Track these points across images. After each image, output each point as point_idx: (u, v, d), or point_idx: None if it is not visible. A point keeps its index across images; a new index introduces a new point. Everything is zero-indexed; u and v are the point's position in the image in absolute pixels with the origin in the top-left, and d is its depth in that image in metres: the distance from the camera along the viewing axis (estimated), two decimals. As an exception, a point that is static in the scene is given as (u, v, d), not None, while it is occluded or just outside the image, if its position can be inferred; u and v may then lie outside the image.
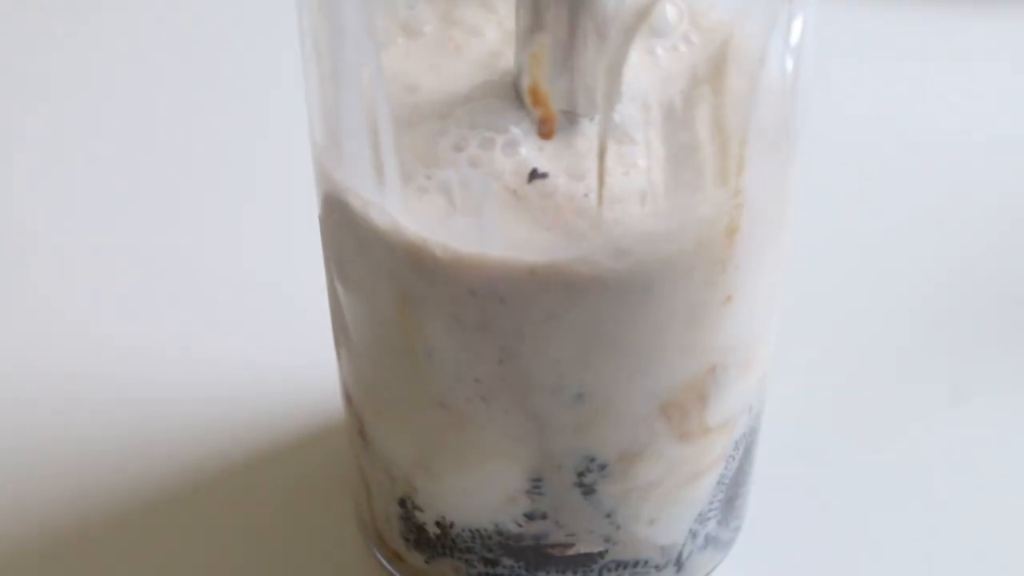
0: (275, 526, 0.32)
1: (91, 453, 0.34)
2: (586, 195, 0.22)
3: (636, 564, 0.29)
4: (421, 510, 0.29)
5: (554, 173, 0.23)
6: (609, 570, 0.29)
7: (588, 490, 0.27)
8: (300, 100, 0.25)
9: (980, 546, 0.32)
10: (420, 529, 0.29)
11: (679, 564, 0.29)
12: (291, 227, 0.37)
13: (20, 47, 0.47)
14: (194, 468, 0.34)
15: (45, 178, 0.42)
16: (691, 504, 0.28)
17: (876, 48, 0.45)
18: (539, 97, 0.22)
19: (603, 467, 0.26)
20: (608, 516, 0.27)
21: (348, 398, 0.29)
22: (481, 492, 0.27)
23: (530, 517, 0.27)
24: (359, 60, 0.22)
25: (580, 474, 0.26)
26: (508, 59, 0.23)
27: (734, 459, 0.29)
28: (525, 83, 0.22)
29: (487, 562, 0.29)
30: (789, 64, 0.24)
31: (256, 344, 0.37)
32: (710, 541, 0.30)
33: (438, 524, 0.28)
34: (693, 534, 0.29)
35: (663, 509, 0.28)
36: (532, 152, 0.23)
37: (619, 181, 0.23)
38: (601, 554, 0.28)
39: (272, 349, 0.36)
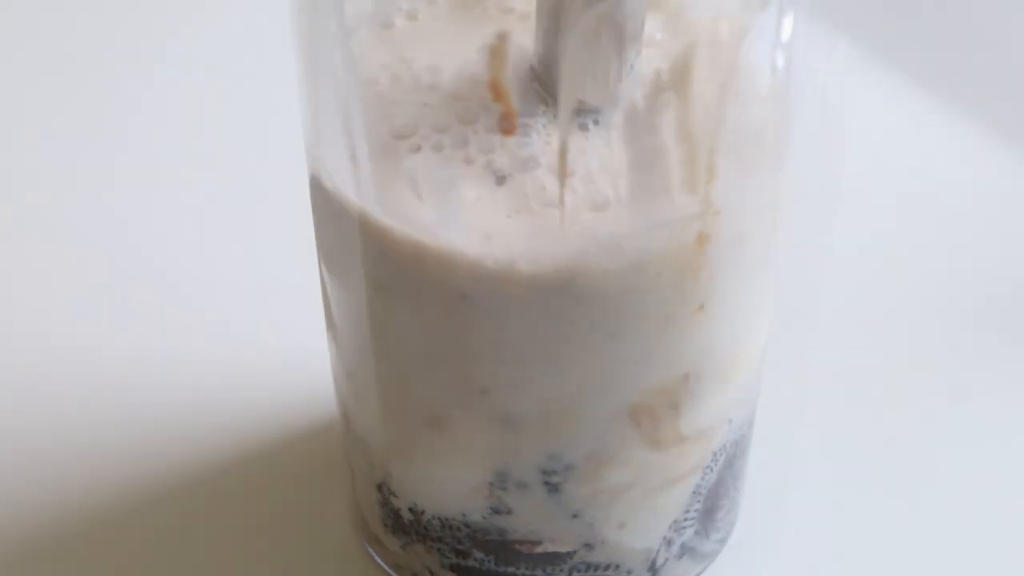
0: (269, 514, 0.33)
1: (79, 452, 0.34)
2: (545, 191, 0.22)
3: (608, 567, 0.28)
4: (396, 496, 0.29)
5: (523, 170, 0.23)
6: (579, 571, 0.28)
7: (553, 488, 0.27)
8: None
9: (980, 551, 0.32)
10: (396, 515, 0.29)
11: (653, 571, 0.29)
12: (280, 218, 0.37)
13: (14, 46, 0.48)
14: (186, 463, 0.34)
15: (36, 177, 0.42)
16: (664, 512, 0.28)
17: (875, 52, 0.44)
18: (500, 92, 0.22)
19: (569, 468, 0.26)
20: (575, 517, 0.27)
21: (335, 381, 0.29)
22: (448, 482, 0.27)
23: (495, 511, 0.27)
24: (331, 44, 0.22)
25: (545, 472, 0.26)
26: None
27: (712, 470, 0.28)
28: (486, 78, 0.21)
29: (458, 553, 0.29)
30: (776, 70, 0.23)
31: (251, 335, 0.37)
32: (687, 551, 0.29)
33: (411, 510, 0.29)
34: (668, 542, 0.29)
35: (634, 514, 0.28)
36: (502, 148, 0.23)
37: (584, 183, 0.22)
38: (570, 554, 0.28)
39: (268, 340, 0.37)
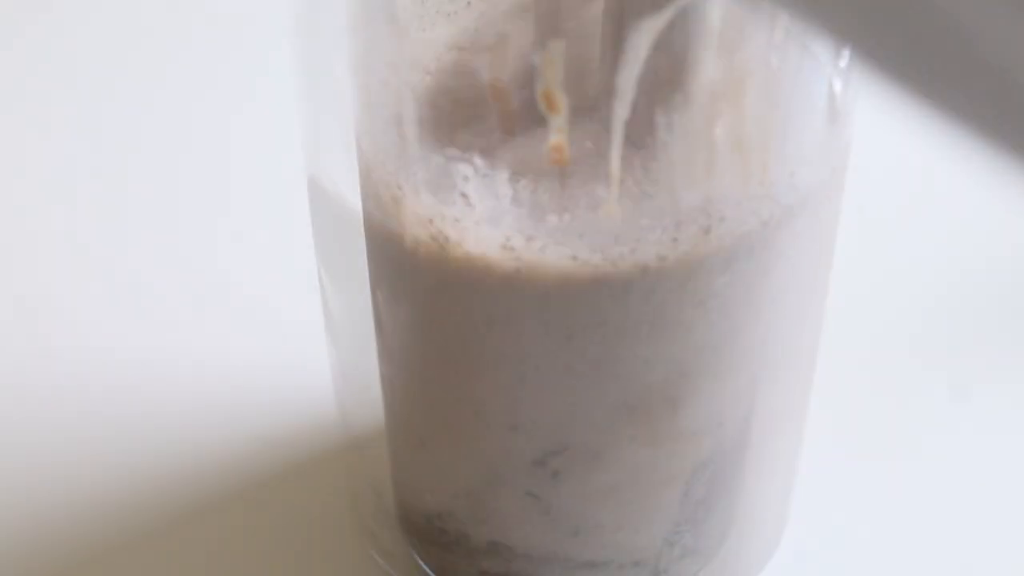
0: (274, 519, 0.33)
1: (84, 459, 0.34)
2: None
3: (607, 565, 0.29)
4: (393, 497, 0.29)
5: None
6: (581, 571, 0.29)
7: (549, 486, 0.26)
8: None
9: (985, 551, 0.32)
10: (394, 516, 0.29)
11: (656, 573, 0.29)
12: (283, 222, 0.37)
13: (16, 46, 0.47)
14: (188, 469, 0.34)
15: (39, 180, 0.42)
16: (660, 512, 0.28)
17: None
18: (553, 103, 0.21)
19: (563, 467, 0.26)
20: (569, 518, 0.27)
21: (335, 384, 0.29)
22: (444, 484, 0.27)
23: (491, 512, 0.27)
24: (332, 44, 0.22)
25: (540, 470, 0.26)
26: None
27: (703, 474, 0.28)
28: (539, 88, 0.21)
29: (455, 553, 0.29)
30: (833, 93, 0.23)
31: (252, 339, 0.37)
32: (688, 552, 0.30)
33: (408, 512, 0.29)
34: (669, 543, 0.29)
35: (630, 514, 0.28)
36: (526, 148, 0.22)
37: (630, 188, 0.22)
38: (568, 558, 0.28)
39: (269, 344, 0.36)
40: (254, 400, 0.35)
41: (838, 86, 0.23)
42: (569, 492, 0.26)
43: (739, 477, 0.30)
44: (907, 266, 0.39)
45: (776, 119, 0.22)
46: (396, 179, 0.23)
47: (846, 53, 0.22)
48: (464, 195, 0.22)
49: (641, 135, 0.22)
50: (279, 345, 0.36)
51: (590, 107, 0.22)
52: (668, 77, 0.22)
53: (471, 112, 0.23)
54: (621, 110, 0.21)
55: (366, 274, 0.25)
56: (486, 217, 0.22)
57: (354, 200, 0.24)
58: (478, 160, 0.22)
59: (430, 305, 0.25)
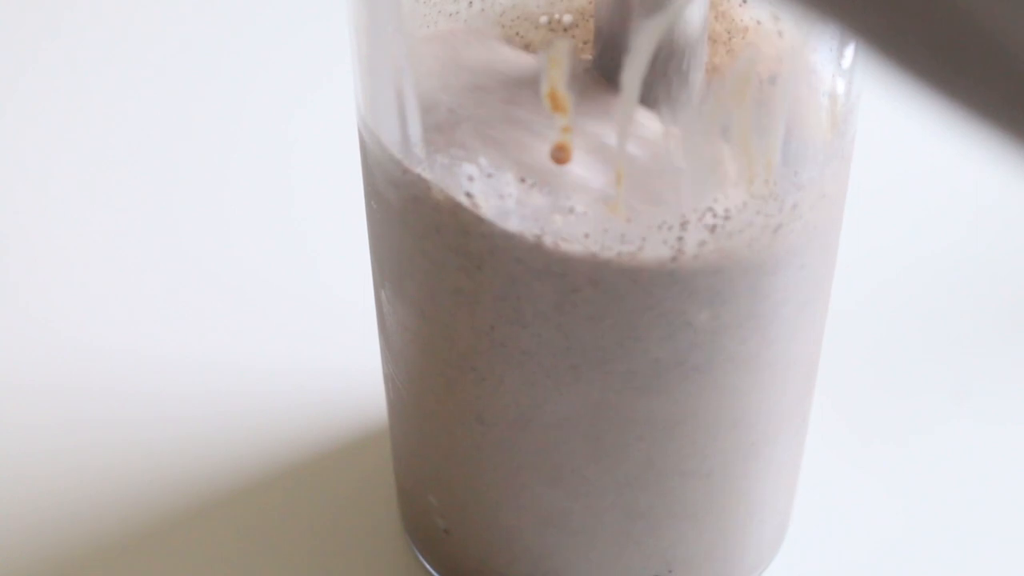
0: (320, 517, 0.33)
1: (130, 456, 0.34)
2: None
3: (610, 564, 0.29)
4: (435, 506, 0.29)
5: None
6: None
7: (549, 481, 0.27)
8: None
9: (985, 551, 0.32)
10: (437, 525, 0.29)
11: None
12: (337, 230, 0.37)
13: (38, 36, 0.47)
14: (233, 469, 0.34)
15: (72, 180, 0.42)
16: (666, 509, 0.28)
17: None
18: (558, 102, 0.21)
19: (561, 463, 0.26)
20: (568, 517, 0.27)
21: (386, 391, 0.29)
22: (489, 494, 0.27)
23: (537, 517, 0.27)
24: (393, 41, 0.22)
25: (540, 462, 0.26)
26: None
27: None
28: (544, 88, 0.21)
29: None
30: (836, 95, 0.23)
31: (303, 341, 0.37)
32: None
33: (447, 523, 0.29)
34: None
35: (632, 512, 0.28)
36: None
37: (635, 187, 0.22)
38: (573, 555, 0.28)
39: (320, 346, 0.37)
40: (307, 405, 0.35)
41: (842, 86, 0.23)
42: (572, 494, 0.26)
43: (744, 479, 0.30)
44: (908, 266, 0.39)
45: (781, 119, 0.22)
46: (401, 179, 0.23)
47: (853, 48, 0.22)
48: (469, 194, 0.22)
49: (646, 134, 0.22)
50: (331, 351, 0.37)
51: (595, 106, 0.22)
52: (673, 76, 0.22)
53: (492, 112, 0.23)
54: (626, 109, 0.21)
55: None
56: (491, 216, 0.22)
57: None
58: (483, 160, 0.22)
59: (430, 302, 0.25)
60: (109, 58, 0.47)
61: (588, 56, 0.23)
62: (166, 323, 0.38)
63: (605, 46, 0.23)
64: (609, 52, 0.22)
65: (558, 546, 0.27)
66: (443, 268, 0.24)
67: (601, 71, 0.23)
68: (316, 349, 0.36)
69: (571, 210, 0.22)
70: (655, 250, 0.22)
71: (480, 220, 0.23)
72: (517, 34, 0.24)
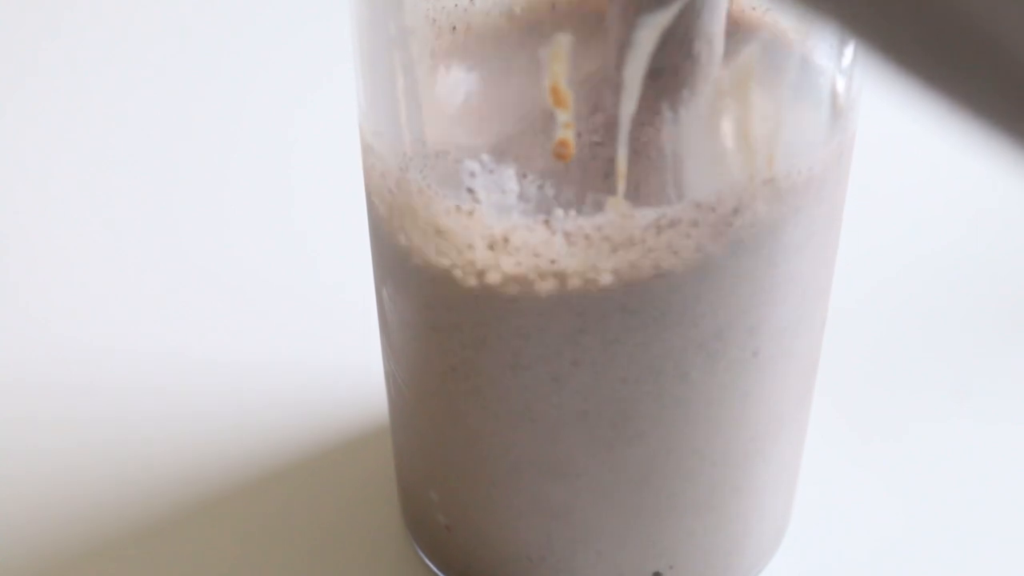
0: (322, 515, 0.33)
1: (134, 455, 0.34)
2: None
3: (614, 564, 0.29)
4: (438, 506, 0.29)
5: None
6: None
7: (550, 482, 0.27)
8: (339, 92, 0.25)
9: (986, 551, 0.32)
10: (437, 522, 0.29)
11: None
12: (337, 230, 0.37)
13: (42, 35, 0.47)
14: (236, 466, 0.34)
15: (72, 180, 0.42)
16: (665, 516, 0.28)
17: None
18: (560, 98, 0.21)
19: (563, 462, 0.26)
20: (570, 516, 0.27)
21: (388, 394, 0.29)
22: (440, 473, 0.27)
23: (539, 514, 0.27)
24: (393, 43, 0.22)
25: (543, 461, 0.26)
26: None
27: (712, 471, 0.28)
28: (546, 83, 0.21)
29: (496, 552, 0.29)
30: (837, 93, 0.23)
31: (306, 340, 0.37)
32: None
33: (449, 521, 0.29)
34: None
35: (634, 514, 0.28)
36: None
37: (637, 182, 0.22)
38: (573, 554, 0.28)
39: (323, 345, 0.37)
40: (308, 403, 0.35)
41: (842, 80, 0.23)
42: (573, 490, 0.27)
43: (744, 475, 0.30)
44: (907, 263, 0.39)
45: (782, 113, 0.22)
46: (402, 175, 0.23)
47: (852, 45, 0.22)
48: (471, 191, 0.23)
49: (648, 130, 0.22)
50: (333, 349, 0.37)
51: (597, 102, 0.22)
52: (675, 72, 0.22)
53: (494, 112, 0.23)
54: (627, 105, 0.21)
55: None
56: (493, 213, 0.22)
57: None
58: (485, 156, 0.22)
59: (432, 300, 0.25)
60: (109, 58, 0.47)
61: (590, 51, 0.23)
62: (166, 323, 0.38)
63: (607, 41, 0.23)
64: (611, 47, 0.22)
65: (559, 542, 0.27)
66: (444, 264, 0.24)
67: (603, 66, 0.23)
68: (317, 347, 0.36)
69: (572, 205, 0.22)
70: (656, 245, 0.22)
71: (481, 215, 0.23)
72: (519, 29, 0.24)
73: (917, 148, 0.43)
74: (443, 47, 0.24)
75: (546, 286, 0.23)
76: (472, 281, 0.24)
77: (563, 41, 0.21)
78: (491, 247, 0.23)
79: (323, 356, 0.36)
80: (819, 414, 0.34)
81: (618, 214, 0.22)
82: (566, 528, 0.27)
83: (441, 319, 0.25)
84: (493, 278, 0.23)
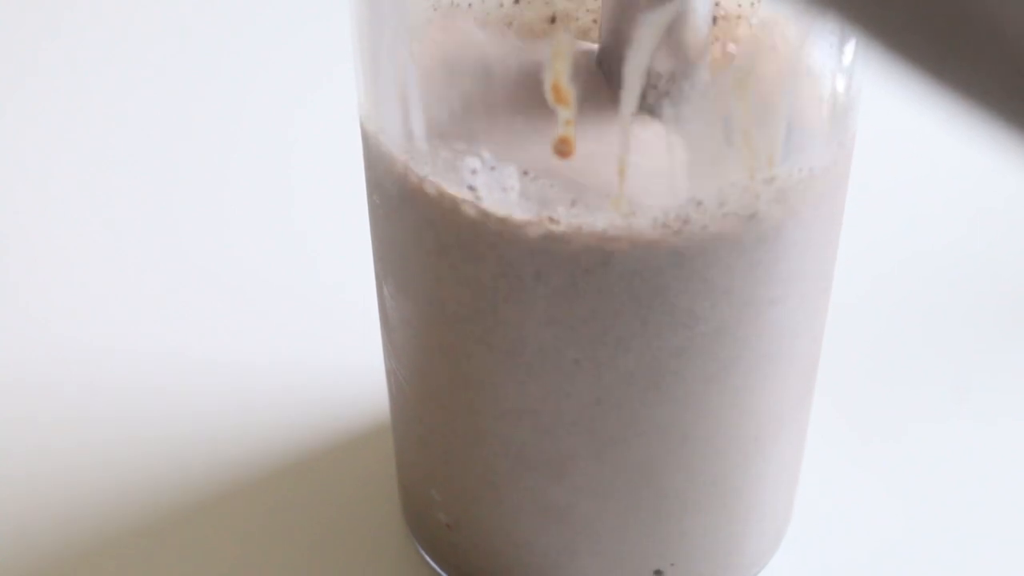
0: (324, 514, 0.33)
1: (137, 459, 0.34)
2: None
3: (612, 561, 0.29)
4: (439, 504, 0.29)
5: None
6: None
7: (551, 481, 0.27)
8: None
9: (986, 550, 0.32)
10: (438, 521, 0.29)
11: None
12: (338, 228, 0.37)
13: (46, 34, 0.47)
14: (240, 465, 0.34)
15: (72, 180, 0.42)
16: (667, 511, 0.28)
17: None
18: (561, 95, 0.21)
19: (564, 462, 0.26)
20: (570, 516, 0.27)
21: (389, 391, 0.29)
22: (441, 471, 0.27)
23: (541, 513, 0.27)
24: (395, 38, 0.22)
25: (544, 461, 0.26)
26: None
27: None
28: (548, 79, 0.21)
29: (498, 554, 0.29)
30: (837, 93, 0.23)
31: (307, 339, 0.37)
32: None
33: (449, 519, 0.29)
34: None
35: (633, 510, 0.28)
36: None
37: (638, 180, 0.22)
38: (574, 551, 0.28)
39: (323, 344, 0.37)
40: (310, 402, 0.35)
41: (843, 79, 0.23)
42: (574, 488, 0.27)
43: (745, 474, 0.30)
44: (909, 262, 0.39)
45: (783, 113, 0.22)
46: (403, 173, 0.23)
47: (854, 42, 0.22)
48: (472, 188, 0.23)
49: (649, 128, 0.22)
50: (334, 348, 0.37)
51: (598, 100, 0.22)
52: (676, 69, 0.22)
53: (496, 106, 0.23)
54: (628, 103, 0.21)
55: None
56: (494, 210, 0.22)
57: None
58: (486, 153, 0.22)
59: (433, 297, 0.25)
60: (109, 58, 0.47)
61: (592, 48, 0.23)
62: (166, 323, 0.38)
63: (608, 39, 0.23)
64: (612, 45, 0.22)
65: (560, 540, 0.27)
66: (445, 262, 0.24)
67: (604, 64, 0.23)
68: (318, 345, 0.36)
69: (573, 203, 0.22)
70: (657, 245, 0.22)
71: (482, 214, 0.23)
72: (521, 26, 0.24)
73: (916, 147, 0.43)
74: (444, 43, 0.24)
75: (546, 285, 0.23)
76: (472, 280, 0.24)
77: (564, 39, 0.21)
78: (491, 243, 0.23)
79: (324, 355, 0.36)
80: (819, 413, 0.35)
81: (619, 212, 0.22)
82: (567, 526, 0.27)
83: (441, 317, 0.25)
84: (493, 277, 0.23)
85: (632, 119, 0.21)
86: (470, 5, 0.24)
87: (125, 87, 0.45)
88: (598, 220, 0.22)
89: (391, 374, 0.28)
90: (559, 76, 0.21)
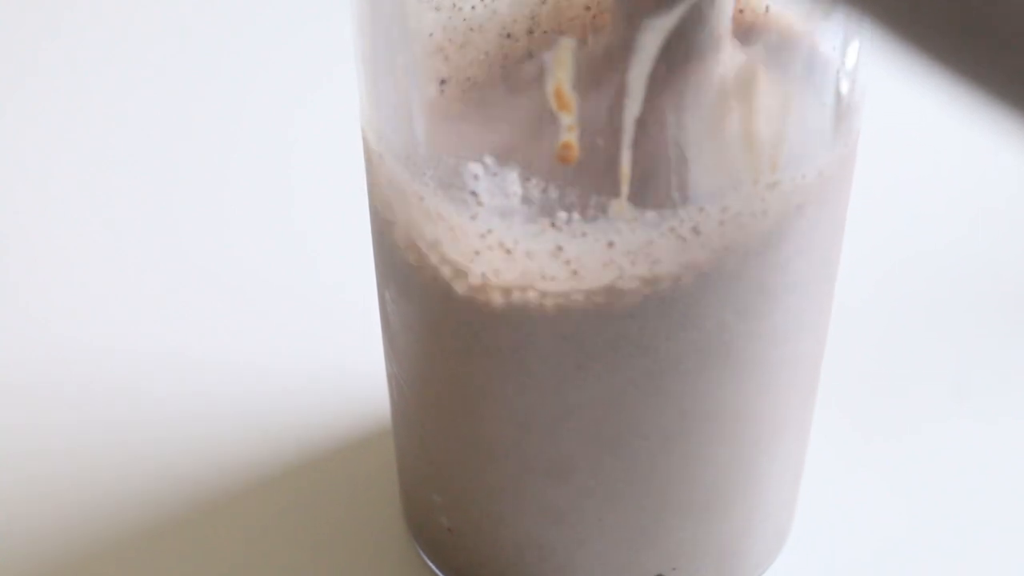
0: (325, 517, 0.33)
1: (137, 460, 0.34)
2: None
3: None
4: (440, 508, 0.29)
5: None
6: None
7: (552, 487, 0.27)
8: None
9: (987, 551, 0.32)
10: (440, 525, 0.29)
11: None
12: (338, 230, 0.37)
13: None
14: (238, 468, 0.34)
15: (72, 180, 0.42)
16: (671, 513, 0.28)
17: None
18: (564, 101, 0.21)
19: (564, 466, 0.26)
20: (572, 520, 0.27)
21: (391, 396, 0.29)
22: (442, 476, 0.27)
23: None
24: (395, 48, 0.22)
25: (545, 464, 0.26)
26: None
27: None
28: (549, 86, 0.21)
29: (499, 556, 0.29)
30: (840, 94, 0.23)
31: (308, 342, 0.37)
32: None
33: (451, 524, 0.29)
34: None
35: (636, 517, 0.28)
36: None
37: (641, 185, 0.22)
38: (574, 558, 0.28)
39: (325, 347, 0.37)
40: (311, 406, 0.35)
41: (847, 81, 0.23)
42: (576, 492, 0.26)
43: (748, 477, 0.30)
44: (912, 262, 0.39)
45: (786, 115, 0.22)
46: (405, 178, 0.23)
47: (858, 43, 0.22)
48: (474, 193, 0.22)
49: (652, 132, 0.22)
50: (336, 352, 0.37)
51: (601, 104, 0.22)
52: (679, 74, 0.22)
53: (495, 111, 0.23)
54: (632, 108, 0.21)
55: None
56: (496, 216, 0.22)
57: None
58: (488, 159, 0.22)
59: (435, 303, 0.25)
60: (109, 58, 0.47)
61: (594, 54, 0.23)
62: (166, 323, 0.38)
63: (611, 45, 0.23)
64: (615, 51, 0.22)
65: (562, 544, 0.27)
66: (447, 267, 0.24)
67: (607, 70, 0.23)
68: (318, 348, 0.36)
69: (576, 208, 0.22)
70: (660, 248, 0.22)
71: (483, 217, 0.23)
72: (523, 32, 0.24)
73: (919, 149, 0.42)
74: (446, 48, 0.24)
75: (548, 289, 0.23)
76: (475, 284, 0.24)
77: (567, 44, 0.21)
78: (494, 250, 0.23)
79: (325, 358, 0.36)
80: (822, 414, 0.34)
81: (622, 217, 0.22)
82: (569, 531, 0.27)
83: (444, 322, 0.25)
84: (496, 282, 0.23)
85: (635, 123, 0.21)
86: (472, 8, 0.24)
87: (125, 87, 0.45)
88: (601, 225, 0.22)
89: (392, 378, 0.28)
90: (561, 82, 0.21)
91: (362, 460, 0.34)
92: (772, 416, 0.27)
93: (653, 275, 0.23)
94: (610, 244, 0.22)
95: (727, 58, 0.22)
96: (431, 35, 0.23)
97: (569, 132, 0.22)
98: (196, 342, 0.37)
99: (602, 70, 0.22)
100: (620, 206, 0.22)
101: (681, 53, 0.21)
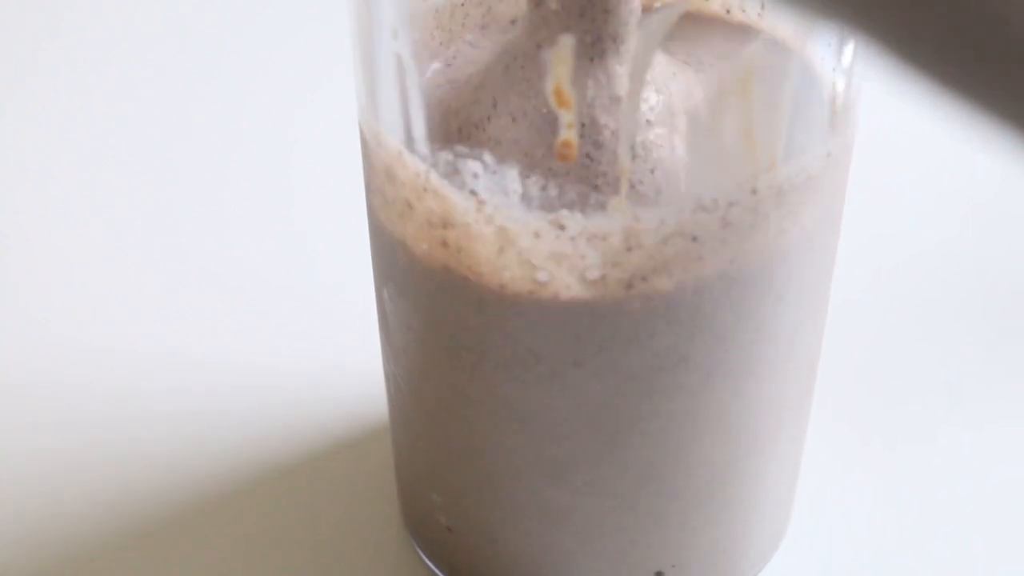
0: (322, 515, 0.33)
1: (136, 460, 0.34)
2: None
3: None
4: (438, 507, 0.29)
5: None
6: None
7: (550, 485, 0.27)
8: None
9: (986, 551, 0.32)
10: (438, 522, 0.29)
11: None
12: (337, 230, 0.37)
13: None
14: (236, 466, 0.34)
15: (72, 180, 0.42)
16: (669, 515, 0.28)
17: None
18: (563, 99, 0.21)
19: (563, 464, 0.26)
20: (570, 519, 0.27)
21: (388, 396, 0.29)
22: (440, 474, 0.27)
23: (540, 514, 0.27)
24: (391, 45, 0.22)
25: (543, 463, 0.26)
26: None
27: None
28: (549, 85, 0.21)
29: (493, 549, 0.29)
30: (837, 92, 0.23)
31: (306, 340, 0.37)
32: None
33: (449, 523, 0.29)
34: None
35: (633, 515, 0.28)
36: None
37: (640, 182, 0.22)
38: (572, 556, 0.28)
39: (323, 346, 0.37)
40: (308, 403, 0.35)
41: (842, 80, 0.23)
42: (575, 491, 0.27)
43: (745, 476, 0.30)
44: (909, 264, 0.39)
45: (784, 114, 0.22)
46: (403, 177, 0.23)
47: (853, 43, 0.22)
48: (474, 192, 0.23)
49: (650, 131, 0.22)
50: (333, 350, 0.37)
51: (599, 103, 0.22)
52: (677, 72, 0.22)
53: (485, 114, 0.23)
54: (630, 106, 0.21)
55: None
56: (495, 213, 0.22)
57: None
58: (488, 157, 0.22)
59: (434, 301, 0.25)
60: (109, 58, 0.47)
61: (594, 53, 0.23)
62: (166, 323, 0.38)
63: (611, 44, 0.23)
64: (614, 49, 0.22)
65: (561, 543, 0.27)
66: (445, 265, 0.24)
67: (606, 68, 0.23)
68: (317, 347, 0.36)
69: (575, 206, 0.22)
70: (658, 246, 0.22)
71: (483, 216, 0.23)
72: (522, 31, 0.24)
73: (914, 149, 0.43)
74: (445, 46, 0.24)
75: (548, 287, 0.23)
76: (474, 283, 0.24)
77: (566, 43, 0.21)
78: (492, 248, 0.23)
79: (323, 357, 0.36)
80: (819, 415, 0.35)
81: (621, 215, 0.22)
82: (567, 528, 0.27)
83: (442, 321, 0.25)
84: (495, 280, 0.23)
85: (634, 121, 0.22)
86: (468, 7, 0.24)
87: (125, 87, 0.45)
88: (600, 223, 0.22)
89: (390, 377, 0.28)
90: (561, 80, 0.21)
91: (360, 459, 0.34)
92: (769, 416, 0.27)
93: (652, 273, 0.23)
94: (608, 241, 0.22)
95: (724, 55, 0.22)
96: (428, 29, 0.23)
97: (569, 130, 0.22)
98: (195, 342, 0.37)
99: (600, 68, 0.22)
100: (619, 203, 0.22)
101: (678, 50, 0.22)
